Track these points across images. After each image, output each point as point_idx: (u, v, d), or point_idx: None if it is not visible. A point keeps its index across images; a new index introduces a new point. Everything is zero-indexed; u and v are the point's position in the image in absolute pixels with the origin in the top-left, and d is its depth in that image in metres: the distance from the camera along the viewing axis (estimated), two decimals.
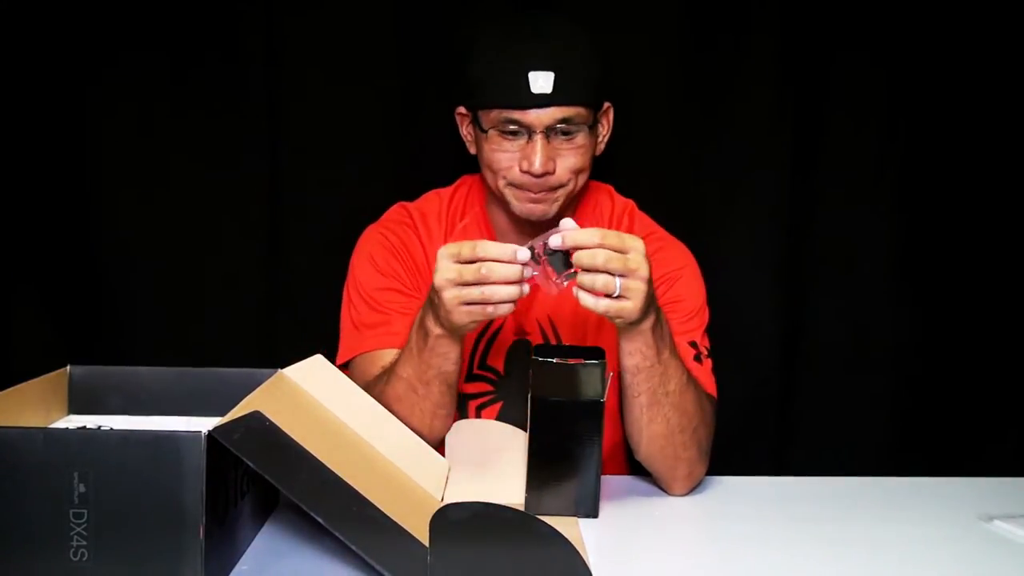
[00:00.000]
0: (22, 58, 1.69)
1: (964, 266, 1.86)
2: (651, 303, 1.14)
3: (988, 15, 1.79)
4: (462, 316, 1.11)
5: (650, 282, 1.11)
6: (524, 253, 1.08)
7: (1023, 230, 1.86)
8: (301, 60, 1.75)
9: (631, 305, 1.09)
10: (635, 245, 1.09)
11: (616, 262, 1.07)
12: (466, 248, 1.09)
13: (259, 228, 1.78)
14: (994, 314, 1.87)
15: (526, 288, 1.10)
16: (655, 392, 1.19)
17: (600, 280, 1.07)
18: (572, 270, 1.08)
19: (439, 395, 1.23)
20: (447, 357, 1.20)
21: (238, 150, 1.76)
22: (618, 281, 1.08)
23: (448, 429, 1.29)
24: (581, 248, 1.07)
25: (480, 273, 1.08)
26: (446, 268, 1.10)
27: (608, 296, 1.08)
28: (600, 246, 1.07)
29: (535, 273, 1.10)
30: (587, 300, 1.09)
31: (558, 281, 1.09)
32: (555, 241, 1.08)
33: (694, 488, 1.28)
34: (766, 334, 1.84)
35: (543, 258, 1.09)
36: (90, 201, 1.75)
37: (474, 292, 1.09)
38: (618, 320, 1.12)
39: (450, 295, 1.10)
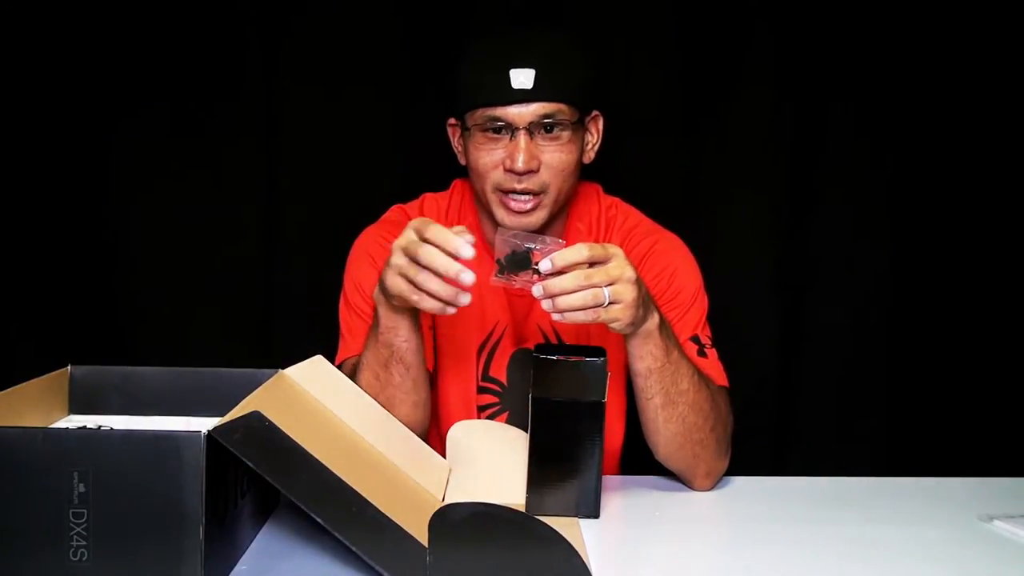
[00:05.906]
0: (22, 59, 1.69)
1: (964, 266, 1.86)
2: (647, 304, 1.15)
3: (987, 11, 1.80)
4: (394, 281, 1.10)
5: (639, 283, 1.11)
6: (468, 251, 1.06)
7: (1022, 231, 1.86)
8: (300, 64, 1.76)
9: (622, 308, 1.10)
10: (616, 252, 1.10)
11: (599, 275, 1.08)
12: (422, 224, 1.08)
13: (259, 229, 1.79)
14: (994, 314, 1.87)
15: (464, 298, 1.08)
16: (668, 392, 1.21)
17: (590, 295, 1.07)
18: (535, 264, 1.09)
19: (400, 379, 1.22)
20: (396, 332, 1.19)
21: (238, 152, 1.77)
22: (606, 290, 1.08)
23: (422, 422, 1.28)
24: (572, 267, 1.07)
25: (421, 255, 1.06)
26: (406, 235, 1.09)
27: (598, 306, 1.09)
28: (588, 260, 1.08)
29: (515, 284, 1.11)
30: (578, 316, 1.09)
31: (531, 280, 1.10)
32: (545, 266, 1.07)
33: (717, 483, 1.30)
34: (766, 334, 1.84)
35: (512, 272, 1.10)
36: (91, 202, 1.75)
37: (410, 270, 1.08)
38: (615, 325, 1.12)
39: (396, 259, 1.09)
